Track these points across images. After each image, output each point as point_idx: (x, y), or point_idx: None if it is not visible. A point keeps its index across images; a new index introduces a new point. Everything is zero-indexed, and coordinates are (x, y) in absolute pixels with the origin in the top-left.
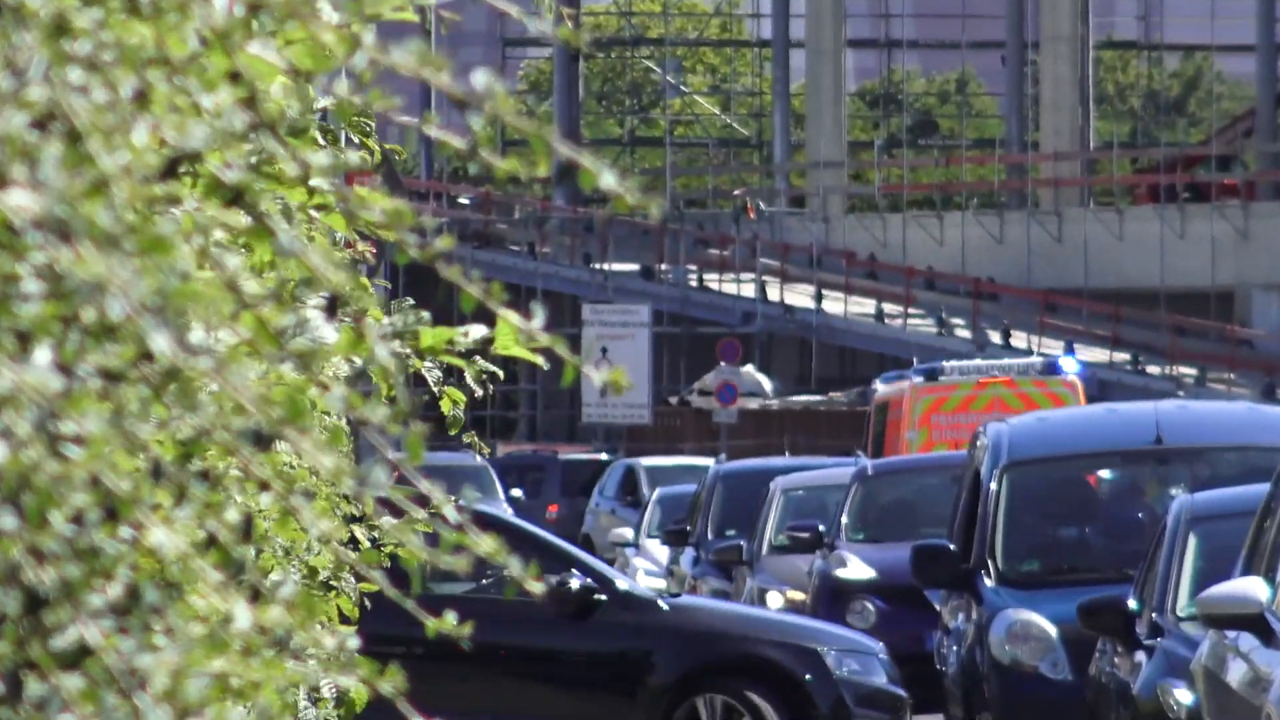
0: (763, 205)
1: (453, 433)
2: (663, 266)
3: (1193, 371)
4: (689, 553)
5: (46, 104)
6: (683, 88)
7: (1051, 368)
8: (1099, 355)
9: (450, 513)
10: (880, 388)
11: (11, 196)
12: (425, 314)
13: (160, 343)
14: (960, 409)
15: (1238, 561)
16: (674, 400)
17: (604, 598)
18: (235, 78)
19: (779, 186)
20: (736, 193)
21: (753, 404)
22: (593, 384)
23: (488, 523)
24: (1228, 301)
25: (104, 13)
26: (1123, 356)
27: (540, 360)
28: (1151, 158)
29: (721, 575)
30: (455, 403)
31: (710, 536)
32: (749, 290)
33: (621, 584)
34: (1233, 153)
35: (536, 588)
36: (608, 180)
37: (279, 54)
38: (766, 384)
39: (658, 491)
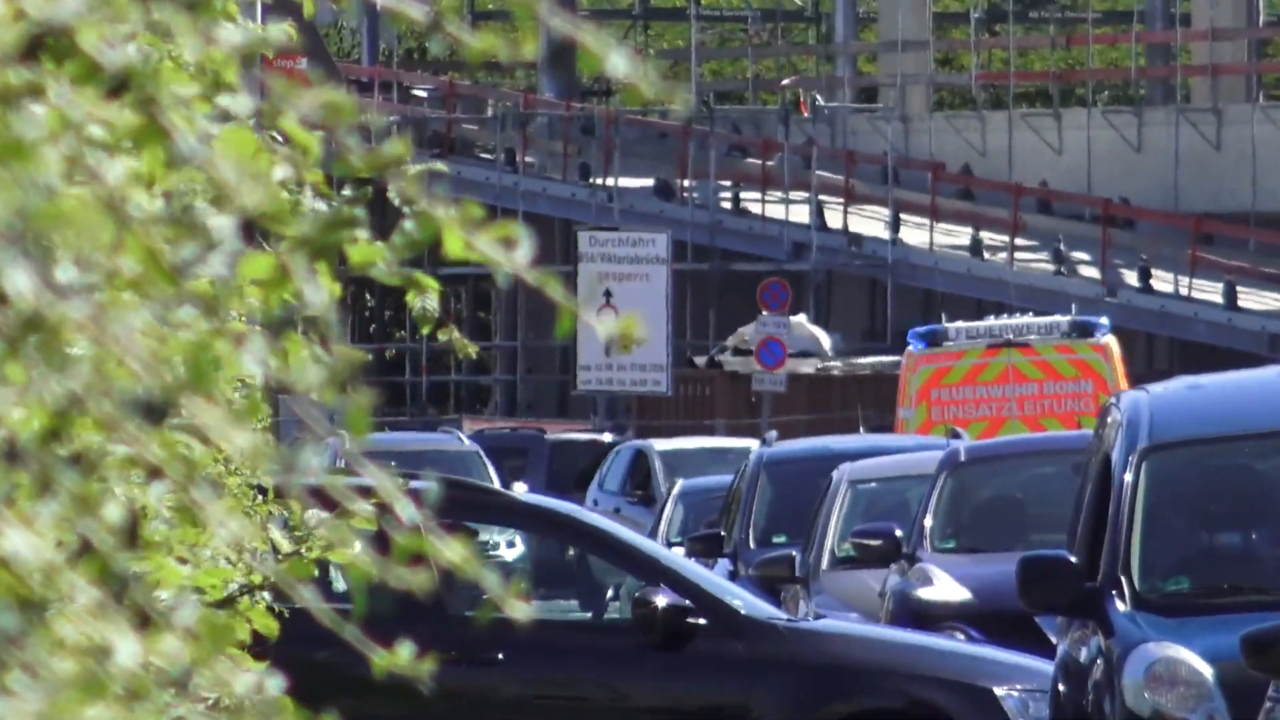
0: (819, 100)
1: (425, 330)
2: (687, 182)
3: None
4: (723, 566)
5: None
6: None
7: (1082, 328)
8: (1270, 301)
9: (406, 509)
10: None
11: None
12: (347, 210)
13: (18, 281)
14: (966, 381)
15: None
16: (701, 361)
17: (702, 621)
18: None
19: (842, 74)
20: (785, 83)
21: (806, 366)
22: (593, 339)
23: (533, 513)
24: None
25: None
26: None
27: (472, 348)
28: None
29: (767, 596)
30: (425, 290)
31: (752, 545)
32: (801, 214)
33: (730, 601)
34: None
35: (521, 610)
36: (617, 63)
37: None
38: (825, 340)
39: (680, 485)
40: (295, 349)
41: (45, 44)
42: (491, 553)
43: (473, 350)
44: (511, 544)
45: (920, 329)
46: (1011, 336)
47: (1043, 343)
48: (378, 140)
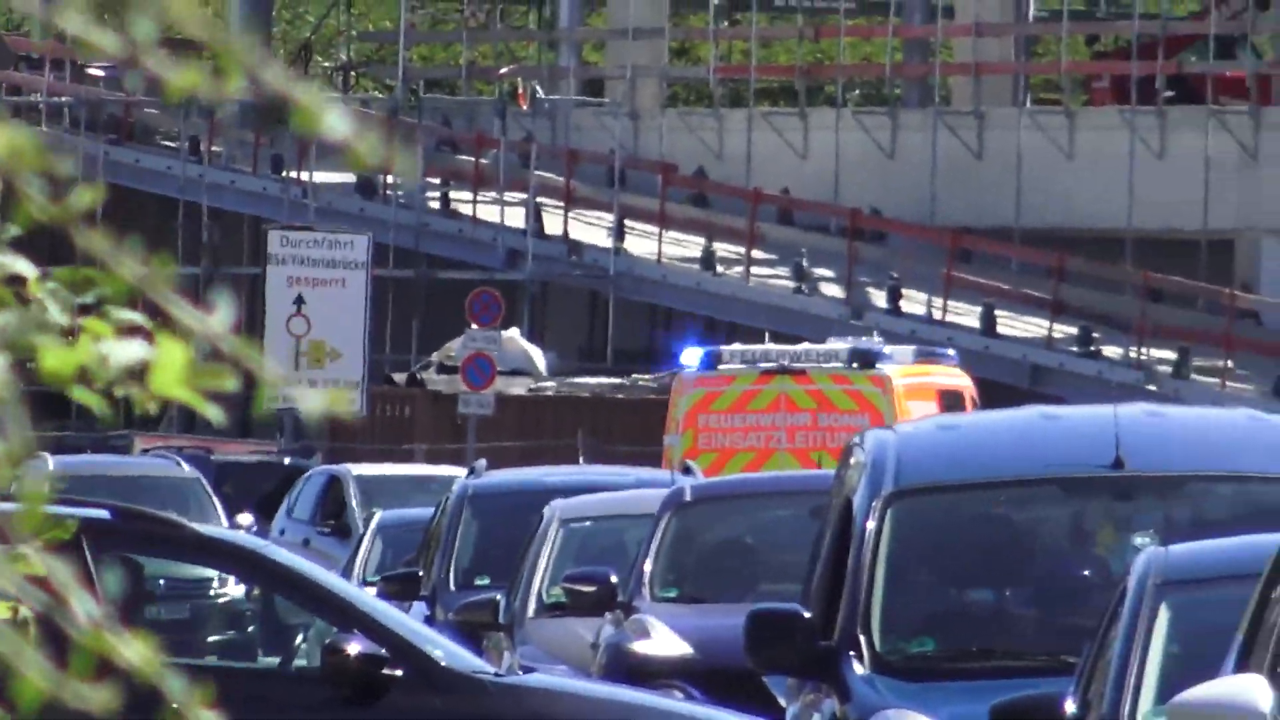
0: (540, 92)
1: (103, 420)
2: (390, 179)
3: (1171, 355)
4: (419, 609)
5: None
6: None
7: (863, 357)
8: (1033, 327)
9: (83, 605)
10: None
11: None
12: (49, 313)
13: None
14: (735, 408)
15: (1230, 649)
16: (401, 379)
17: (399, 672)
18: None
19: (565, 64)
20: (503, 71)
21: (517, 387)
22: (281, 349)
23: (213, 547)
24: (1226, 254)
25: None
26: (1068, 330)
27: (216, 414)
28: (1119, 36)
29: (468, 644)
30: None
31: (452, 587)
32: (517, 218)
33: (430, 651)
34: (1238, 31)
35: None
36: (334, 124)
37: None
38: (539, 358)
39: (379, 516)
40: None
41: None
42: (217, 590)
43: (152, 407)
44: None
45: (694, 348)
46: (786, 363)
47: (819, 371)
48: (67, 189)
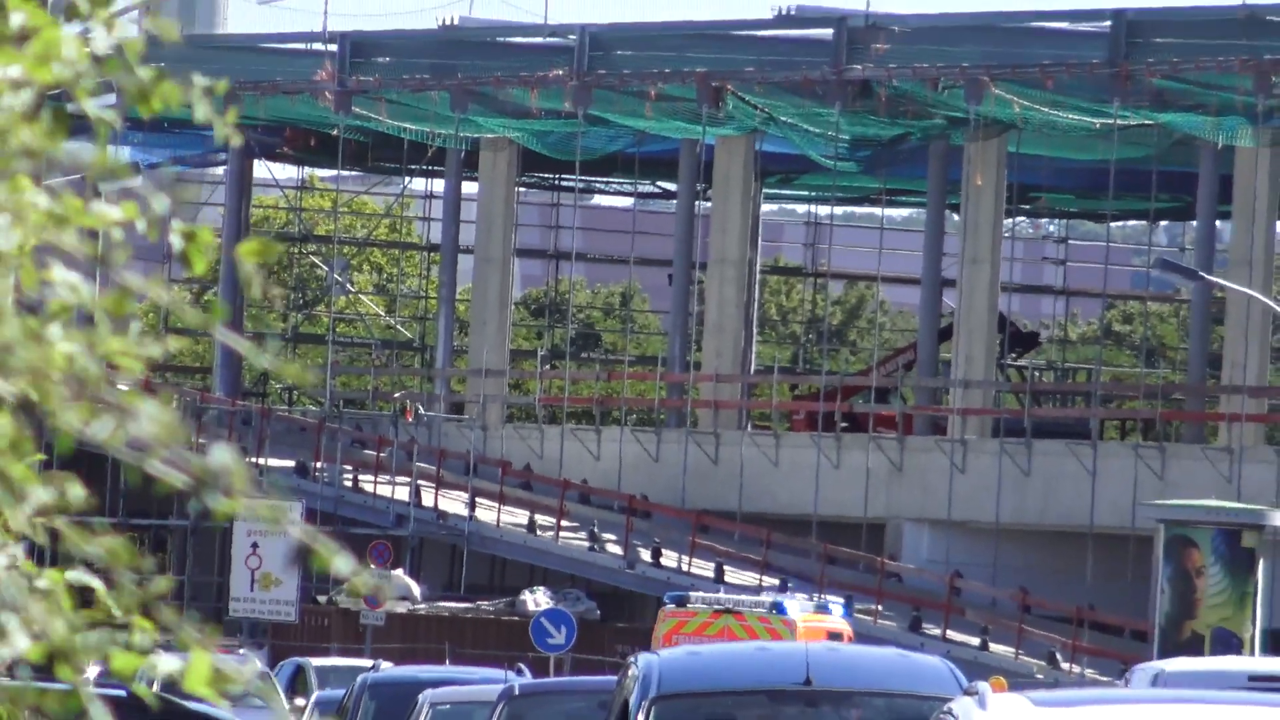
0: (421, 409)
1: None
2: (318, 465)
3: (840, 600)
4: None
5: None
6: (349, 286)
7: (776, 607)
8: (749, 578)
9: None
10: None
11: None
12: (119, 635)
13: None
14: (698, 632)
15: None
16: (322, 599)
17: None
18: None
19: (439, 392)
20: (396, 395)
21: (400, 608)
22: (243, 578)
23: (188, 717)
24: (879, 533)
25: None
26: (772, 581)
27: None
28: (811, 385)
29: None
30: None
31: None
32: (403, 493)
33: None
34: (892, 385)
35: None
36: (340, 565)
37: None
38: (415, 588)
39: (316, 694)
40: None
41: None
42: None
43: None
44: None
45: (672, 594)
46: (730, 606)
47: (750, 613)
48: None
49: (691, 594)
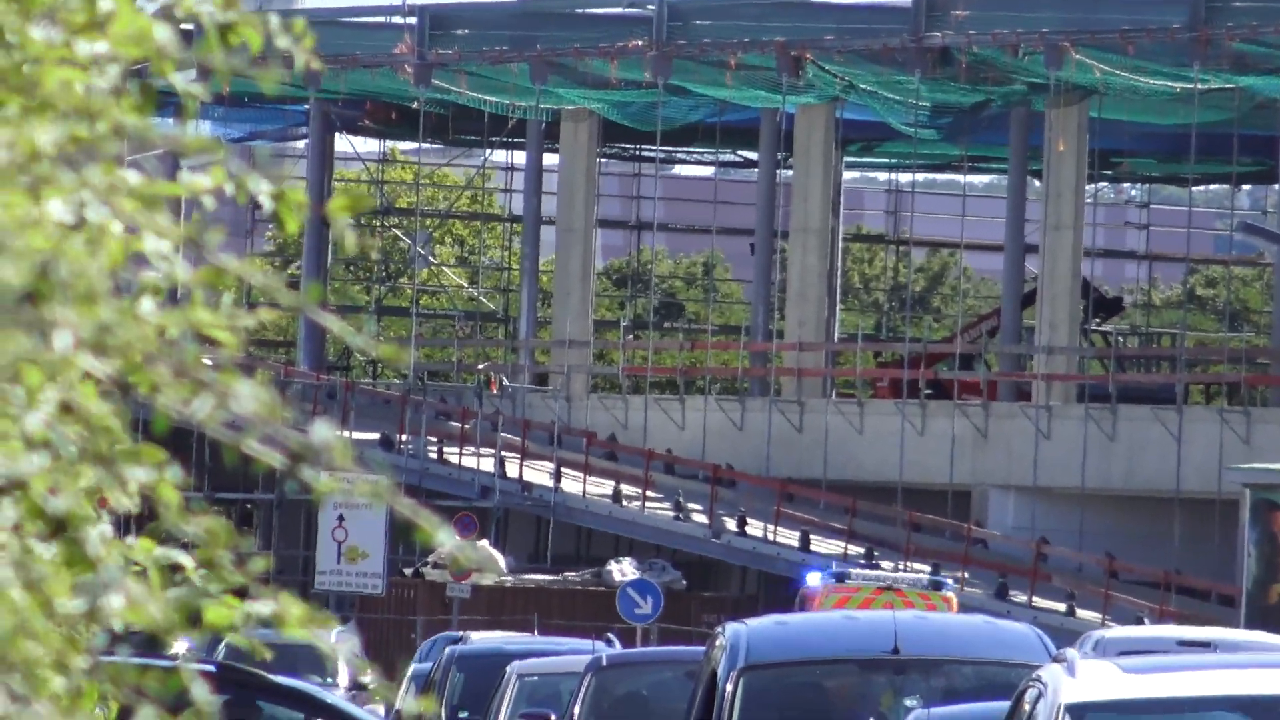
0: (505, 381)
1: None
2: (403, 437)
3: (926, 568)
4: None
5: None
6: (431, 258)
7: (935, 584)
8: (834, 547)
9: None
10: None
11: None
12: (212, 588)
13: None
14: (862, 608)
15: None
16: (408, 572)
17: None
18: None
19: (523, 363)
20: (480, 367)
21: (486, 580)
22: (329, 551)
23: (284, 690)
24: (964, 500)
25: None
26: (857, 549)
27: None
28: (895, 352)
29: None
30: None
31: (444, 718)
32: (488, 465)
33: None
34: (976, 352)
35: None
36: (444, 537)
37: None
38: (501, 560)
39: (413, 667)
40: None
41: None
42: None
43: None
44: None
45: (831, 570)
46: (891, 583)
47: (911, 589)
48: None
49: (852, 571)
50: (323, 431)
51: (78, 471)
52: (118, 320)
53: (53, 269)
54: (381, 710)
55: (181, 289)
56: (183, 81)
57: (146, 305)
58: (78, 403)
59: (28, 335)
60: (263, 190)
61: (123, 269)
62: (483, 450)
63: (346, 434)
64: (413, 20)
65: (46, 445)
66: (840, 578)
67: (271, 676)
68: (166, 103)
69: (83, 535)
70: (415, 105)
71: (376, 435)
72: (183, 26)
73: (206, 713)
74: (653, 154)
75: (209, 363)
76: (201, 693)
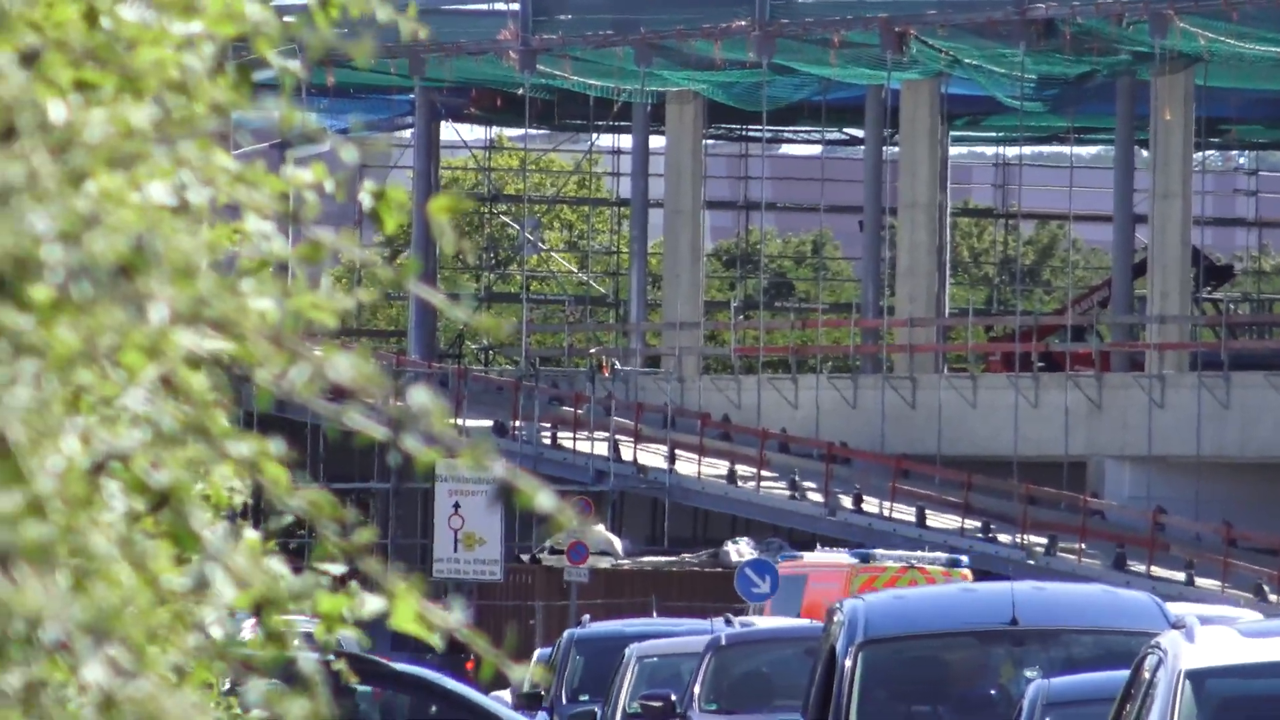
0: (617, 364)
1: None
2: (516, 423)
3: (1043, 540)
4: (542, 717)
5: None
6: (540, 244)
7: (953, 561)
8: (950, 522)
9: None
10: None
11: None
12: (323, 579)
13: (94, 672)
14: (887, 586)
15: None
16: (525, 557)
17: None
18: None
19: (634, 346)
20: (591, 351)
21: (603, 563)
22: (446, 539)
23: (402, 677)
24: (1080, 471)
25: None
26: (974, 524)
27: (438, 642)
28: (1006, 326)
29: None
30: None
31: (564, 701)
32: (602, 449)
33: None
34: (1087, 323)
35: None
36: (544, 500)
37: (208, 345)
38: (617, 543)
39: (536, 653)
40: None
41: (106, 465)
42: None
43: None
44: None
45: (858, 551)
46: (914, 562)
47: (932, 568)
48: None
49: (876, 552)
50: (420, 397)
51: (179, 446)
52: (215, 294)
53: (148, 243)
54: (508, 696)
55: (281, 269)
56: (279, 59)
57: (248, 284)
58: (178, 378)
59: (123, 310)
60: (363, 188)
61: (223, 249)
62: (596, 434)
63: (457, 421)
64: (516, 6)
65: (147, 421)
66: (865, 559)
67: (391, 664)
68: (268, 90)
69: (185, 510)
70: (520, 91)
71: (490, 422)
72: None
73: (314, 685)
74: (759, 134)
75: (310, 339)
76: (309, 666)
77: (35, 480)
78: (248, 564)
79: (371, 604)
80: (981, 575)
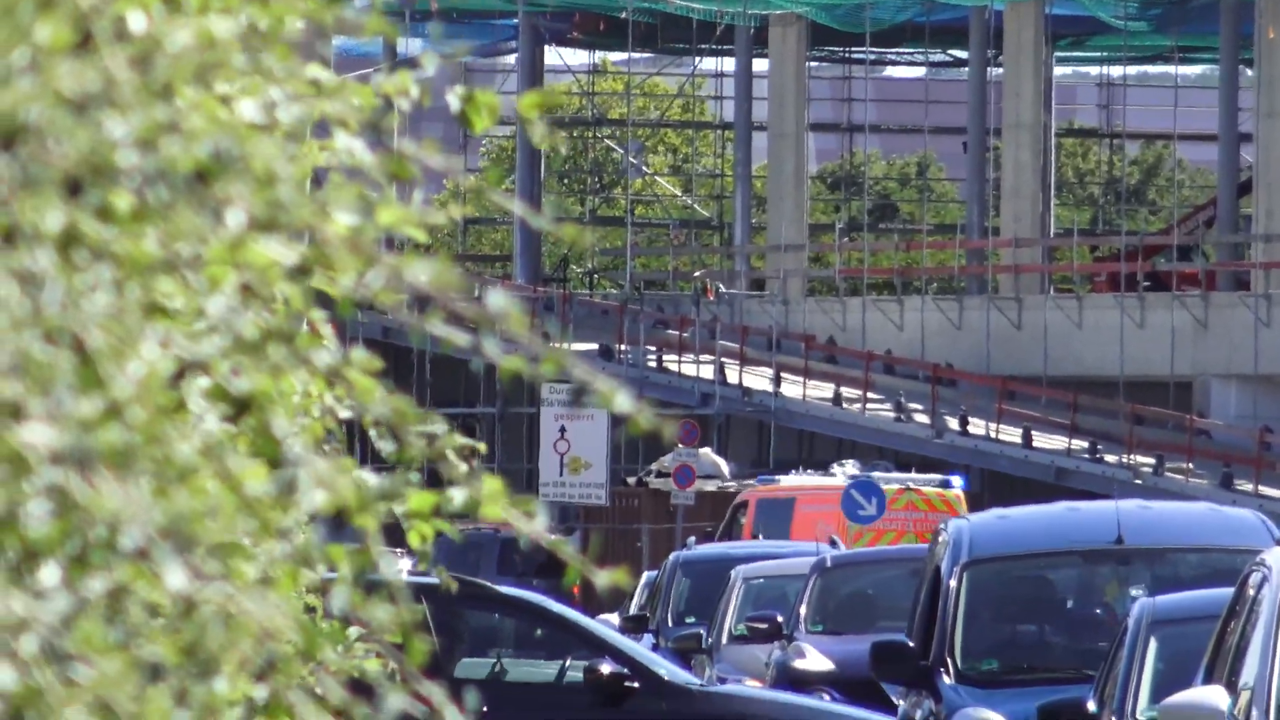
0: (722, 287)
1: (422, 568)
2: (622, 347)
3: (1150, 460)
4: (647, 639)
5: (59, 320)
6: (644, 168)
7: (945, 484)
8: (1057, 442)
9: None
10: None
11: (30, 431)
12: (413, 475)
13: (175, 578)
14: (888, 505)
15: (1199, 668)
16: (631, 481)
17: (636, 685)
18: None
19: (739, 269)
20: (696, 274)
21: (710, 486)
22: (552, 463)
23: (511, 601)
24: (1186, 391)
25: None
26: (1080, 444)
27: (525, 537)
28: (1111, 246)
29: (681, 663)
30: (424, 538)
31: (670, 624)
32: (707, 372)
33: (658, 670)
34: (1193, 243)
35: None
36: (622, 402)
37: (286, 251)
38: (724, 466)
39: (645, 576)
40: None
41: (187, 373)
42: None
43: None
44: None
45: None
46: (908, 484)
47: (927, 488)
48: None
49: (874, 473)
50: (498, 300)
51: (260, 352)
52: (295, 202)
53: (225, 150)
54: (615, 619)
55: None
56: None
57: (334, 196)
58: (258, 284)
59: (200, 216)
60: (451, 92)
61: (309, 162)
62: (702, 357)
63: (562, 344)
64: None
65: (228, 327)
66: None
67: (498, 588)
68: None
69: (267, 416)
70: (624, 15)
71: (595, 346)
72: None
73: (399, 591)
74: (862, 56)
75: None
76: (389, 569)
77: (114, 386)
78: (331, 469)
79: (458, 497)
80: (1086, 495)
